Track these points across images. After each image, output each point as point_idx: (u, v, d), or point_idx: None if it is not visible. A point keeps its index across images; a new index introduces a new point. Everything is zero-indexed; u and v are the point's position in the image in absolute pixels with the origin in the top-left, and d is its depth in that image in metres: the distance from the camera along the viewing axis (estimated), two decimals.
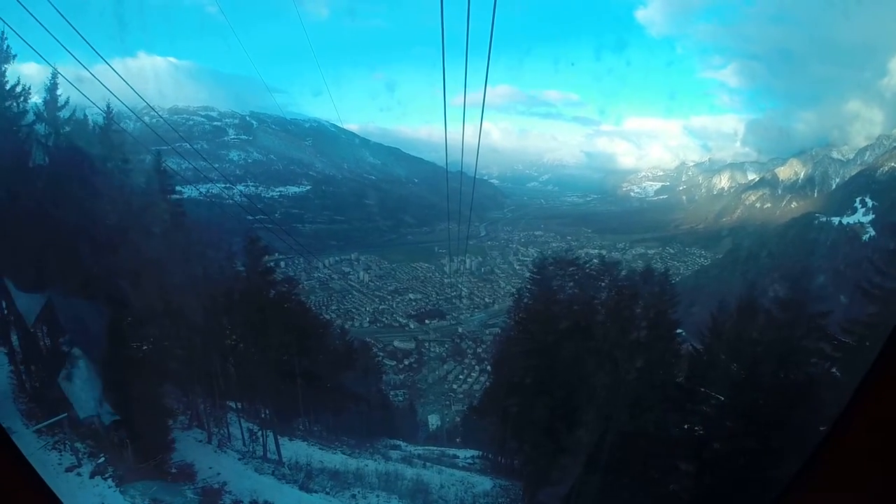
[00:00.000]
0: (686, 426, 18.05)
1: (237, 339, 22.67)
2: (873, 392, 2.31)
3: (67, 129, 18.92)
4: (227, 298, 20.83)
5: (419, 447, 42.35)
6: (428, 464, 28.64)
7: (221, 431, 21.04)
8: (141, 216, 19.36)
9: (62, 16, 13.14)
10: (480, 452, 40.25)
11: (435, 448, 43.53)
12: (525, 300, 23.89)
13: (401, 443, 43.07)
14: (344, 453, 24.55)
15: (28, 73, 18.93)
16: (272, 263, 23.40)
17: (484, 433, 42.42)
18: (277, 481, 17.88)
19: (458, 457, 38.97)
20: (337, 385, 30.80)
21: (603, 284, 18.98)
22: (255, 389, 22.89)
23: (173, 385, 21.67)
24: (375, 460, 24.92)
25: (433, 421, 78.00)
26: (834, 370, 14.65)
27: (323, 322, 37.32)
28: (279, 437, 24.73)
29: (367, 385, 38.58)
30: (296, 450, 23.24)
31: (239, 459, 19.30)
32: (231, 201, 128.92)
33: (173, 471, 14.60)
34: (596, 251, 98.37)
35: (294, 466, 20.26)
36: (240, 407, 23.78)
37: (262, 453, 20.81)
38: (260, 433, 21.52)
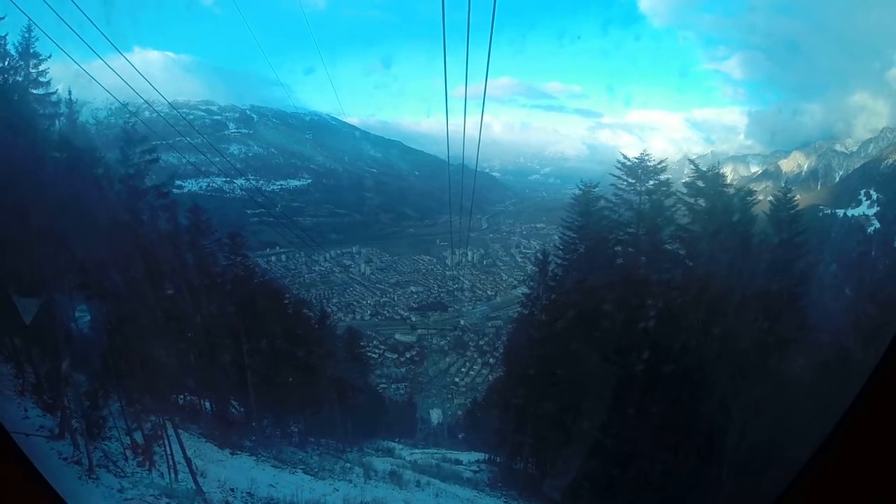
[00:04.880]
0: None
1: (149, 302, 15.07)
2: (877, 392, 2.14)
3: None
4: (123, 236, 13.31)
5: (416, 450, 34.93)
6: (423, 478, 21.11)
7: (107, 445, 13.39)
8: None
9: (82, 12, 12.16)
10: (487, 456, 33.18)
11: (435, 451, 36.05)
12: (558, 263, 16.24)
13: (395, 445, 35.61)
14: (307, 472, 16.91)
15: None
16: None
17: (490, 431, 35.56)
18: None
19: (461, 462, 31.53)
20: (310, 377, 23.19)
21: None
22: (176, 380, 15.26)
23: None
24: (351, 480, 17.28)
25: (434, 416, 72.86)
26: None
27: (293, 297, 29.88)
28: (221, 448, 17.25)
29: (353, 377, 31.17)
30: (235, 469, 15.66)
31: (119, 491, 11.67)
32: (231, 195, 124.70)
33: None
34: None
35: (217, 501, 12.69)
36: (152, 405, 16.06)
37: (171, 478, 13.19)
38: (172, 446, 13.86)
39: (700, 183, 12.24)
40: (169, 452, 13.67)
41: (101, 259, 14.06)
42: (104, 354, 15.08)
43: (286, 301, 25.01)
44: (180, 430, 17.23)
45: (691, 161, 13.14)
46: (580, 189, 15.66)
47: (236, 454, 16.76)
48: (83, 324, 14.87)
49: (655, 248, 12.20)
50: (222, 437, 17.31)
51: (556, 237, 15.30)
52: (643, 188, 12.88)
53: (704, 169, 12.22)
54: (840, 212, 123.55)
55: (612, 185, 13.92)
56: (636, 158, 13.51)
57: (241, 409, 20.24)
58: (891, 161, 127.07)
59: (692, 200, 12.55)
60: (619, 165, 13.84)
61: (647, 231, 12.81)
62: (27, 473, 2.57)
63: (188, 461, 13.29)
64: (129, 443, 13.83)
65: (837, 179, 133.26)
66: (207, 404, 18.76)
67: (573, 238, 15.18)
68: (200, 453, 16.27)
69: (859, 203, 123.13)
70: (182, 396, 17.67)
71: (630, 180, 13.32)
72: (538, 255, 19.38)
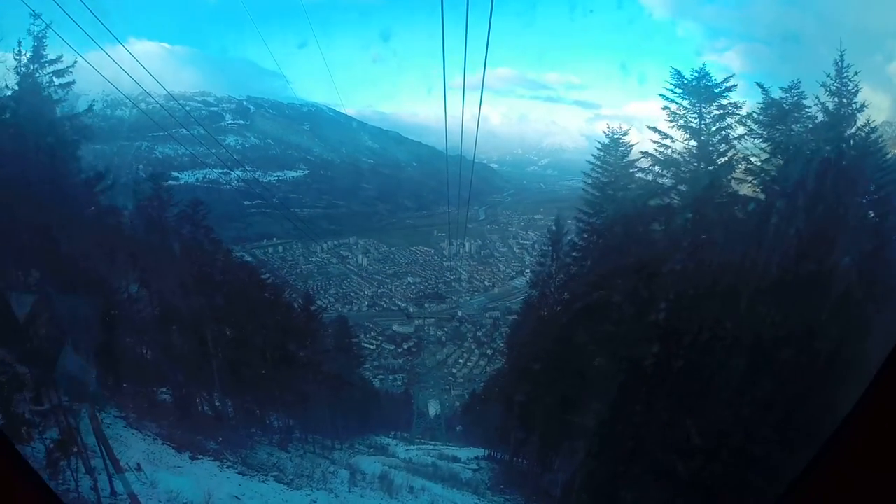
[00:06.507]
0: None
1: (92, 276, 12.26)
2: (881, 392, 2.01)
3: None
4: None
5: (412, 447, 32.37)
6: (417, 481, 18.44)
7: (30, 448, 10.58)
8: None
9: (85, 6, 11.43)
10: (486, 452, 30.71)
11: (431, 447, 33.49)
12: (581, 228, 13.36)
13: (389, 441, 32.96)
14: (280, 480, 14.14)
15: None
16: None
17: (489, 425, 33.07)
18: None
19: (459, 459, 29.00)
20: (291, 368, 20.43)
21: None
22: (124, 369, 12.43)
23: None
24: (332, 489, 14.54)
25: (432, 408, 71.18)
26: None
27: (272, 277, 27.08)
28: (180, 452, 14.45)
29: (342, 369, 28.46)
30: (193, 478, 12.85)
31: None
32: (229, 186, 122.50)
33: None
34: None
35: None
36: (92, 399, 13.27)
37: (102, 493, 10.40)
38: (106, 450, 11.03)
39: (774, 110, 9.56)
40: (107, 459, 10.89)
41: (23, 220, 11.21)
42: (34, 339, 12.30)
43: (262, 280, 22.19)
44: (134, 431, 14.53)
45: (760, 85, 10.47)
46: (608, 137, 12.80)
47: (197, 459, 13.96)
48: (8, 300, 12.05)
49: (727, 193, 9.41)
50: (183, 438, 14.52)
51: (580, 198, 12.58)
52: (707, 112, 10.01)
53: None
54: None
55: (664, 107, 11.05)
56: (695, 73, 10.60)
57: (208, 405, 17.45)
58: (889, 156, 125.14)
59: (764, 132, 9.85)
60: (674, 79, 10.85)
61: (716, 168, 9.86)
62: (21, 470, 2.44)
63: (118, 468, 10.48)
64: (52, 446, 10.99)
65: None
66: (166, 399, 15.99)
67: (598, 197, 12.21)
68: (153, 458, 13.48)
69: None
70: (135, 389, 14.92)
71: (687, 102, 10.38)
72: (552, 226, 16.59)
